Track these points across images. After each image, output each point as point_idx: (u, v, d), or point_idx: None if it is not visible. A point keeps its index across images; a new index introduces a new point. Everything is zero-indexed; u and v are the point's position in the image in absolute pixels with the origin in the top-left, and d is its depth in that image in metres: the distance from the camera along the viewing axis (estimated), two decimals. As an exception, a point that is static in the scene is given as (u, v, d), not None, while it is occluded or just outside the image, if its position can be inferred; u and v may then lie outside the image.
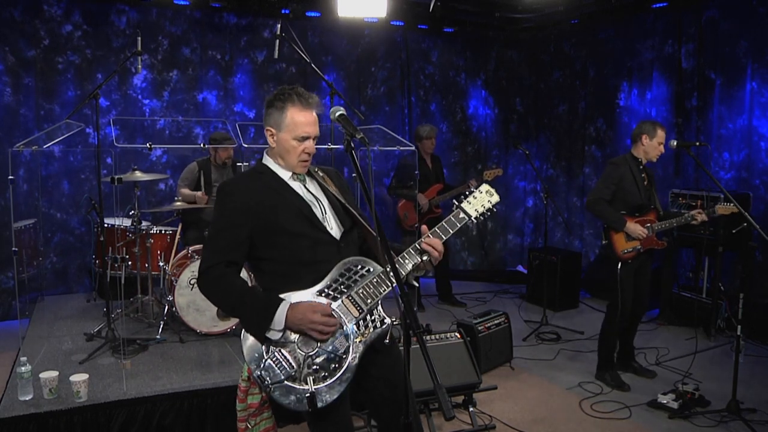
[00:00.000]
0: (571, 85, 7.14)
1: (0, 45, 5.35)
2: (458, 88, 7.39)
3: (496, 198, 2.31)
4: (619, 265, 4.10)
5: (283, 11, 6.04)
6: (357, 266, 2.14)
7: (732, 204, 4.00)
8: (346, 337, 2.07)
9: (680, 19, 5.85)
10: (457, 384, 3.63)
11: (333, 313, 2.06)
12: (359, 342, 2.08)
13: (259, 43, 6.33)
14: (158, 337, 4.33)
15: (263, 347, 2.05)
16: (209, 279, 2.12)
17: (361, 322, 2.09)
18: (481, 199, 2.29)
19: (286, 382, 2.03)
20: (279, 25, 4.50)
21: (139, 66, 4.45)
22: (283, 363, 2.03)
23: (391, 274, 2.05)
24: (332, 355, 2.05)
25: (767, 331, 4.97)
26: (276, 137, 2.20)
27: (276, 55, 4.56)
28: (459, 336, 3.87)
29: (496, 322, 4.51)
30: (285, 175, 2.25)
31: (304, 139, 2.18)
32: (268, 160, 2.28)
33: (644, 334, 4.72)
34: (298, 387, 2.03)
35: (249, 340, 2.08)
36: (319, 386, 2.03)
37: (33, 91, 5.50)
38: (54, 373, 3.36)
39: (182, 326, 4.42)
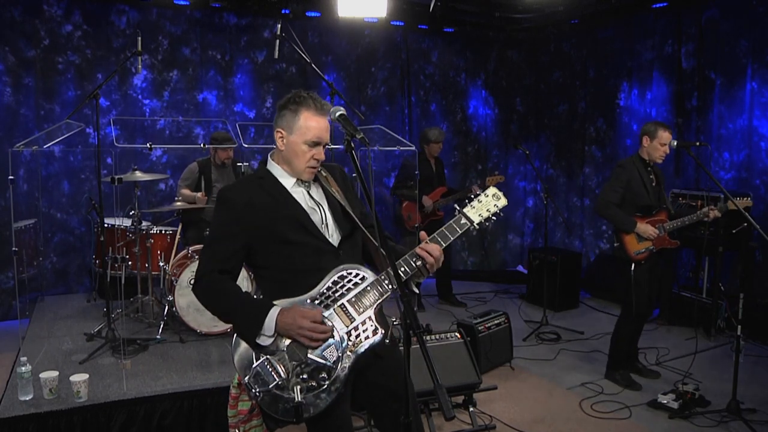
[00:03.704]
0: (571, 85, 7.14)
1: (0, 45, 5.35)
2: (458, 88, 7.39)
3: (503, 201, 2.19)
4: (633, 266, 4.08)
5: (283, 11, 6.03)
6: (351, 274, 2.11)
7: (745, 198, 4.03)
8: (337, 347, 2.03)
9: (680, 19, 5.85)
10: (457, 384, 3.63)
11: (325, 319, 2.04)
12: (350, 353, 2.04)
13: (259, 43, 6.33)
14: (158, 337, 4.33)
15: (253, 354, 2.04)
16: (203, 287, 2.12)
17: (352, 332, 2.06)
18: (486, 204, 2.17)
19: (274, 390, 2.01)
20: (279, 25, 4.50)
21: (139, 66, 4.44)
22: (272, 371, 2.02)
23: (389, 279, 2.04)
24: (321, 365, 2.02)
25: (767, 331, 4.97)
26: (286, 140, 2.17)
27: (276, 55, 4.56)
28: (459, 336, 3.87)
29: (496, 322, 4.51)
30: (288, 182, 2.20)
31: (315, 144, 2.14)
32: (272, 165, 2.24)
33: (644, 334, 4.71)
34: (285, 396, 2.01)
35: (240, 347, 2.07)
36: (306, 396, 2.01)
37: (33, 91, 5.50)
38: (54, 373, 3.36)
39: (182, 326, 4.42)
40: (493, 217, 2.17)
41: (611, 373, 4.28)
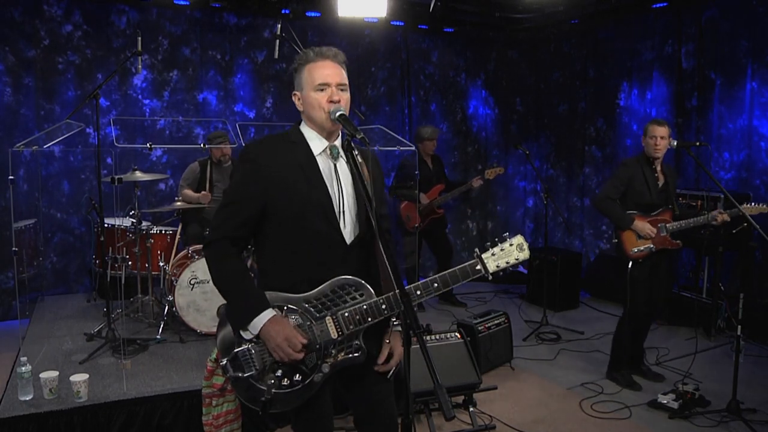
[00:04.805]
0: (571, 85, 7.14)
1: (0, 45, 5.35)
2: (458, 88, 7.39)
3: (525, 254, 2.06)
4: (630, 264, 4.07)
5: (283, 11, 6.03)
6: (352, 287, 2.05)
7: (762, 204, 3.89)
8: (317, 354, 2.03)
9: (680, 19, 5.85)
10: (457, 384, 3.63)
11: (308, 339, 2.01)
12: (328, 363, 2.03)
13: (259, 43, 6.33)
14: (158, 337, 4.33)
15: (235, 338, 2.05)
16: (213, 254, 2.10)
17: (337, 344, 2.04)
18: (508, 253, 2.05)
19: (249, 379, 2.04)
20: (279, 25, 4.50)
21: (139, 66, 4.45)
22: (250, 360, 2.03)
23: (387, 304, 2.01)
24: (298, 368, 2.03)
25: (767, 331, 4.97)
26: (301, 99, 2.12)
27: (276, 55, 4.57)
28: (459, 336, 3.87)
29: (496, 322, 4.51)
30: (316, 146, 2.11)
31: (324, 86, 2.06)
32: (304, 127, 2.15)
33: (644, 334, 4.77)
34: (257, 386, 2.03)
35: (225, 329, 2.08)
36: (277, 393, 2.02)
37: (33, 91, 5.50)
38: (54, 373, 3.36)
39: (182, 326, 4.42)
40: (510, 268, 2.07)
41: (612, 373, 4.28)
